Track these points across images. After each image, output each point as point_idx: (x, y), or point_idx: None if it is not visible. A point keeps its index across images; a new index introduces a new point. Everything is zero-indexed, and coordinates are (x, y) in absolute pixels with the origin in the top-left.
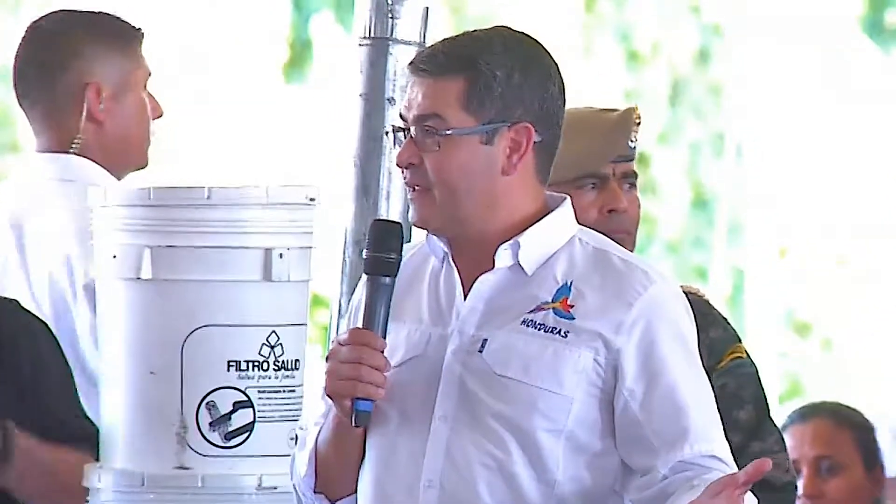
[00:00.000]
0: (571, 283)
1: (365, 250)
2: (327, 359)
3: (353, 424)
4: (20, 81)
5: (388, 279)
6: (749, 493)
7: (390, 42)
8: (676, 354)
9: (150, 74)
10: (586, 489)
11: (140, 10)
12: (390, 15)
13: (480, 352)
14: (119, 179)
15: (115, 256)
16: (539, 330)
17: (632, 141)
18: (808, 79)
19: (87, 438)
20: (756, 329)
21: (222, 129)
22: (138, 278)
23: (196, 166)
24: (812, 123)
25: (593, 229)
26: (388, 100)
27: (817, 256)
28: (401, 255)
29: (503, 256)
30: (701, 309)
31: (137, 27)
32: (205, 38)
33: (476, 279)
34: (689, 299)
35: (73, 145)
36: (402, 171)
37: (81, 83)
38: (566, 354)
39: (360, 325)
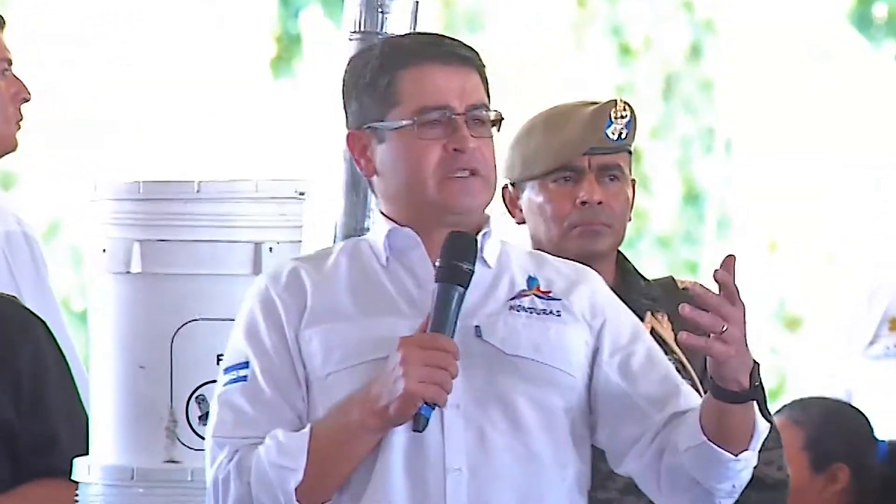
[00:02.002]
0: (533, 274)
1: (441, 259)
2: (402, 361)
3: (414, 428)
4: None
5: (462, 289)
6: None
7: (380, 36)
8: (639, 328)
9: (8, 59)
10: (580, 474)
11: (127, 6)
12: (380, 9)
13: (479, 337)
14: None
15: (104, 250)
16: (531, 313)
17: (612, 133)
18: (798, 74)
19: (82, 441)
20: (747, 323)
21: (210, 124)
22: (128, 272)
23: (185, 161)
24: (801, 118)
25: (570, 224)
26: None
27: (808, 251)
28: (474, 268)
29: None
30: (701, 304)
31: None
32: (191, 34)
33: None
34: (689, 294)
35: None
36: (450, 157)
37: None
38: (567, 333)
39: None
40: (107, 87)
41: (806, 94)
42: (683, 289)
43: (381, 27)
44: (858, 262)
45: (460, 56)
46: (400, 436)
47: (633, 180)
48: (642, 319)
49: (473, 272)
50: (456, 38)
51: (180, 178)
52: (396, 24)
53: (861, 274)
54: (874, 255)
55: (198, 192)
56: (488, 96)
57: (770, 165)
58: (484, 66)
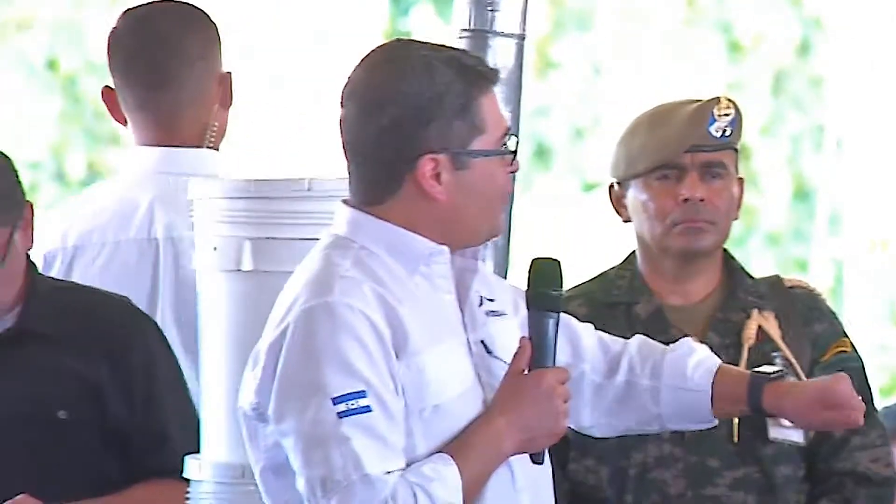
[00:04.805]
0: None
1: (532, 287)
2: (556, 397)
3: (538, 461)
4: (152, 70)
5: (556, 314)
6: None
7: (490, 34)
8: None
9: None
10: None
11: (239, 6)
12: (490, 7)
13: (490, 353)
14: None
15: (215, 248)
16: (496, 316)
17: (715, 131)
18: None
19: (192, 440)
20: (856, 321)
21: (322, 123)
22: (239, 270)
23: (295, 159)
24: None
25: (672, 221)
26: None
27: None
28: (563, 291)
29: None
30: (807, 303)
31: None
32: (303, 34)
33: (462, 283)
34: (796, 293)
35: (213, 137)
36: (508, 183)
37: (216, 74)
38: (516, 331)
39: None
40: None
41: None
42: (790, 287)
43: (491, 25)
44: None
45: (498, 75)
46: None
47: (741, 178)
48: (749, 317)
49: (563, 295)
50: None
51: (291, 177)
52: (506, 22)
53: None
54: None
55: (308, 189)
56: None
57: (881, 162)
58: None
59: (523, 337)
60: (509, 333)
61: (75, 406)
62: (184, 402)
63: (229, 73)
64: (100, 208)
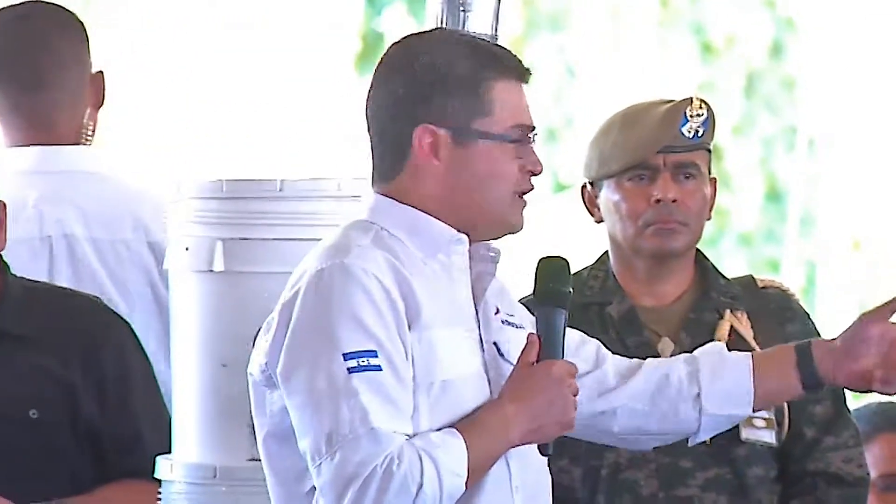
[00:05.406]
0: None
1: (540, 283)
2: (566, 389)
3: (546, 452)
4: (27, 71)
5: (565, 311)
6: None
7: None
8: None
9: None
10: None
11: (212, 7)
12: (462, 7)
13: (501, 355)
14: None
15: (187, 249)
16: (511, 326)
17: (687, 131)
18: (882, 72)
19: (164, 441)
20: (828, 321)
21: (294, 121)
22: (211, 270)
23: (268, 159)
24: (886, 116)
25: (645, 222)
26: None
27: (891, 249)
28: (571, 288)
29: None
30: (780, 303)
31: None
32: (277, 32)
33: (479, 283)
34: (769, 293)
35: (88, 137)
36: (523, 178)
37: (89, 75)
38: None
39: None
40: (191, 85)
41: (889, 91)
42: (763, 288)
43: (463, 25)
44: None
45: (529, 73)
46: None
47: (714, 179)
48: (721, 317)
49: (572, 292)
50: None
51: (263, 177)
52: (478, 22)
53: None
54: None
55: (280, 190)
56: None
57: (853, 163)
58: None
59: (531, 333)
60: (522, 343)
61: (48, 405)
62: (156, 402)
63: (101, 73)
64: None
